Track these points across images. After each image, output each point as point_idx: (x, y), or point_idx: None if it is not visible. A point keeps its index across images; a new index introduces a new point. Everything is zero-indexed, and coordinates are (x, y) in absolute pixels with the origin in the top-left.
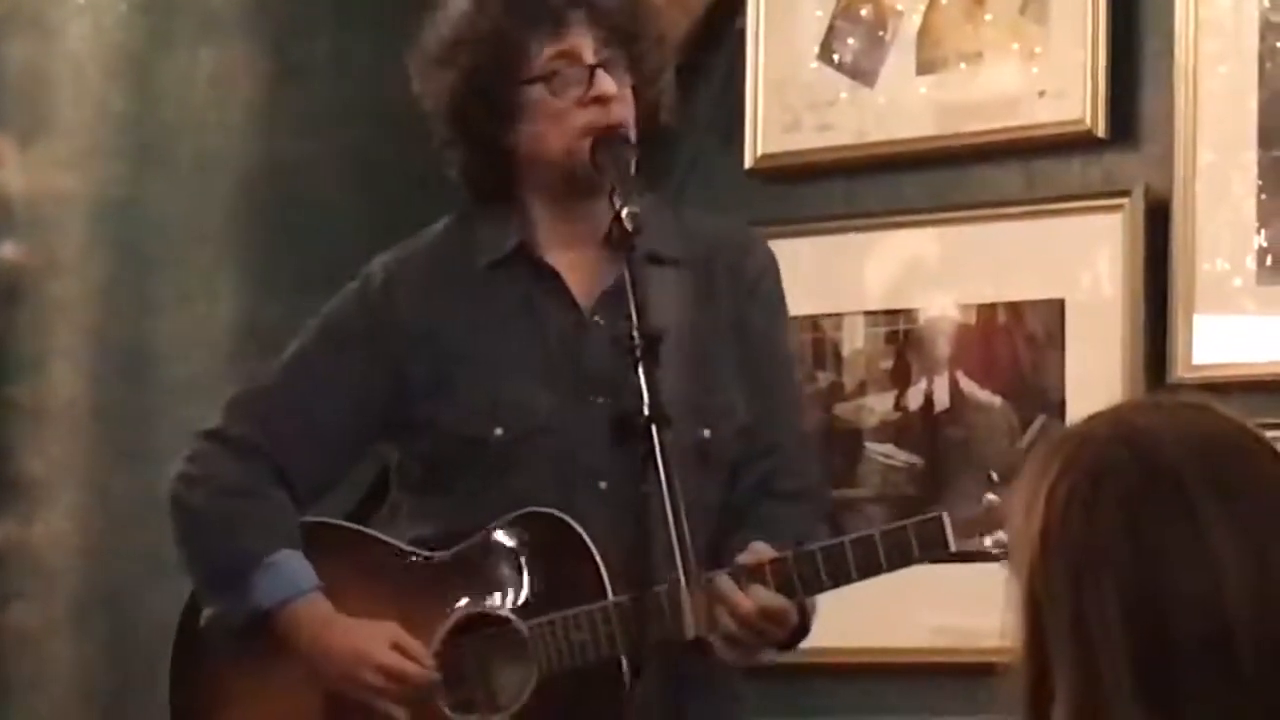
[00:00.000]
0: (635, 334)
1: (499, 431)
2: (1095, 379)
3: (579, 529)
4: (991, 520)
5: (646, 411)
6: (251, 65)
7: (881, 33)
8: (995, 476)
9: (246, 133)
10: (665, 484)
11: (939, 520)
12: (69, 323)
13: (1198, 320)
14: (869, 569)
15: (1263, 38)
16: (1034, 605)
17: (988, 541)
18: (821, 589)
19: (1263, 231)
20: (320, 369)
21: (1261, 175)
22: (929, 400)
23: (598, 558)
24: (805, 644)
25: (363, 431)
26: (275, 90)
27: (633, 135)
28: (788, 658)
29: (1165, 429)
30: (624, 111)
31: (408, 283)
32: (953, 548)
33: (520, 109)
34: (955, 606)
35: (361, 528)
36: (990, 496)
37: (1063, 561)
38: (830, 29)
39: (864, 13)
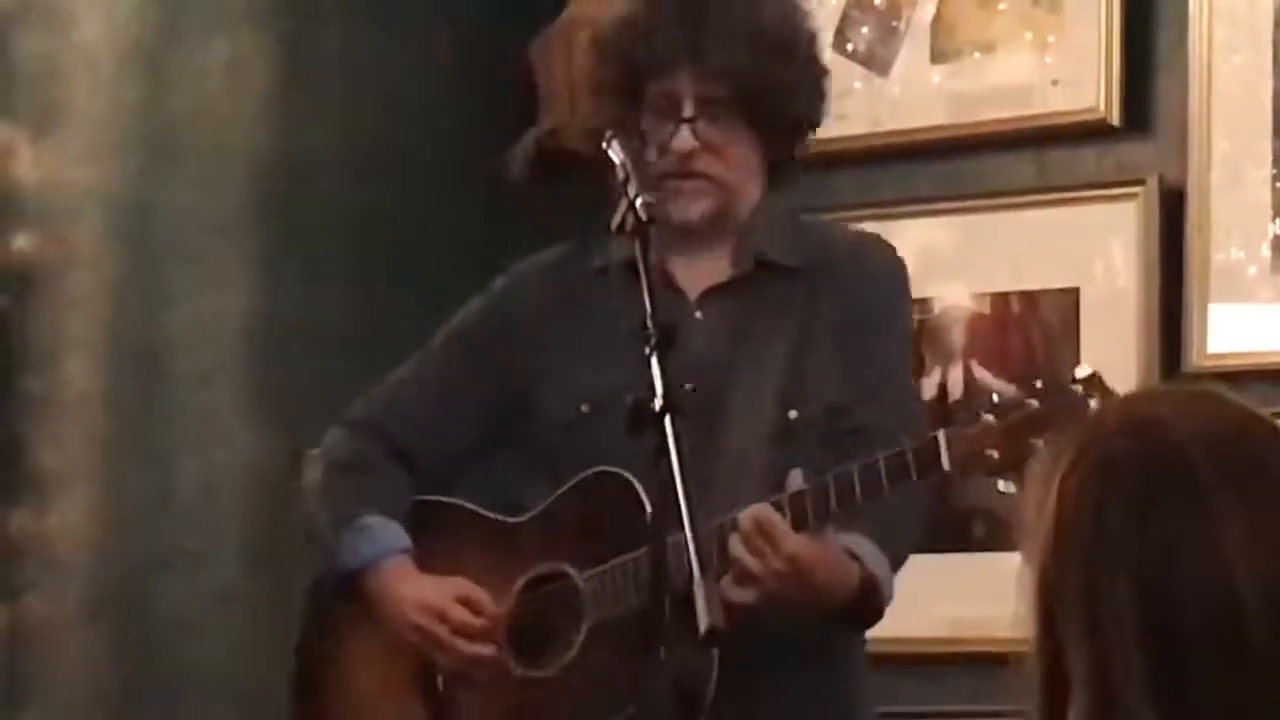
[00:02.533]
0: (649, 324)
1: (584, 408)
2: (1110, 368)
3: (635, 483)
4: (985, 437)
5: (660, 401)
6: (264, 57)
7: (895, 22)
8: (1039, 384)
9: (259, 125)
10: (679, 475)
11: (935, 440)
12: (82, 315)
13: (1212, 309)
14: (872, 489)
15: (1277, 25)
16: (1046, 597)
17: (993, 454)
18: (828, 515)
19: (1277, 220)
20: (444, 363)
21: (1276, 163)
22: (943, 389)
23: (649, 510)
24: None
25: (484, 425)
26: (288, 82)
27: (729, 184)
28: None
29: (1176, 418)
30: (707, 164)
31: (526, 285)
32: (946, 467)
33: (635, 125)
34: (969, 597)
35: (463, 502)
36: (987, 417)
37: (1075, 553)
38: (844, 18)
39: (877, 2)
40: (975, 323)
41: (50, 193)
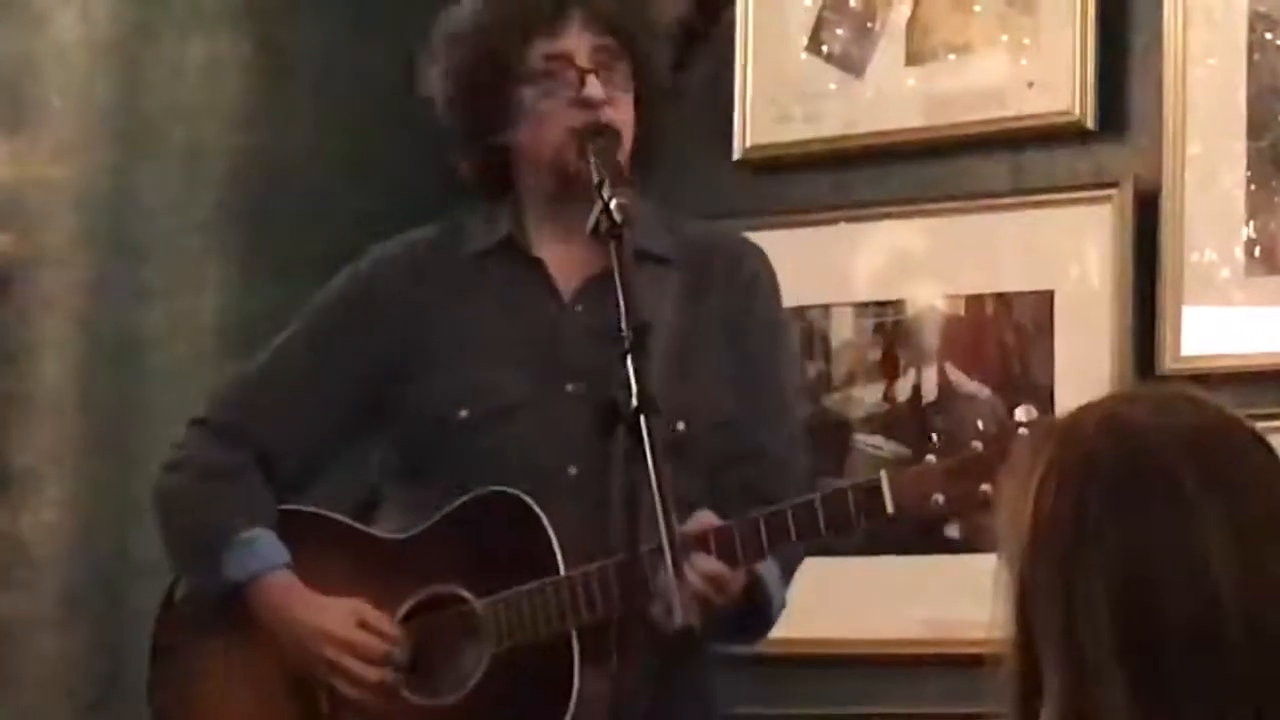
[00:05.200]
0: (624, 325)
1: (464, 413)
2: (1084, 370)
3: (535, 507)
4: (929, 480)
5: (635, 401)
6: (239, 55)
7: (870, 24)
8: (980, 425)
9: (234, 123)
10: (655, 473)
11: (878, 485)
12: (56, 313)
13: (1186, 311)
14: (809, 532)
15: (1251, 29)
16: (1023, 596)
17: (939, 499)
18: (762, 555)
19: (1251, 223)
20: (304, 355)
21: (1250, 166)
22: (917, 391)
23: (552, 535)
24: (796, 635)
25: (346, 417)
26: (262, 80)
27: (627, 136)
28: (776, 649)
29: (1153, 420)
30: (614, 115)
31: (393, 270)
32: (890, 511)
33: (513, 109)
34: (944, 598)
35: (328, 512)
36: (929, 458)
37: (1051, 552)
38: (819, 20)
39: (853, 4)
40: (950, 325)
41: (24, 190)
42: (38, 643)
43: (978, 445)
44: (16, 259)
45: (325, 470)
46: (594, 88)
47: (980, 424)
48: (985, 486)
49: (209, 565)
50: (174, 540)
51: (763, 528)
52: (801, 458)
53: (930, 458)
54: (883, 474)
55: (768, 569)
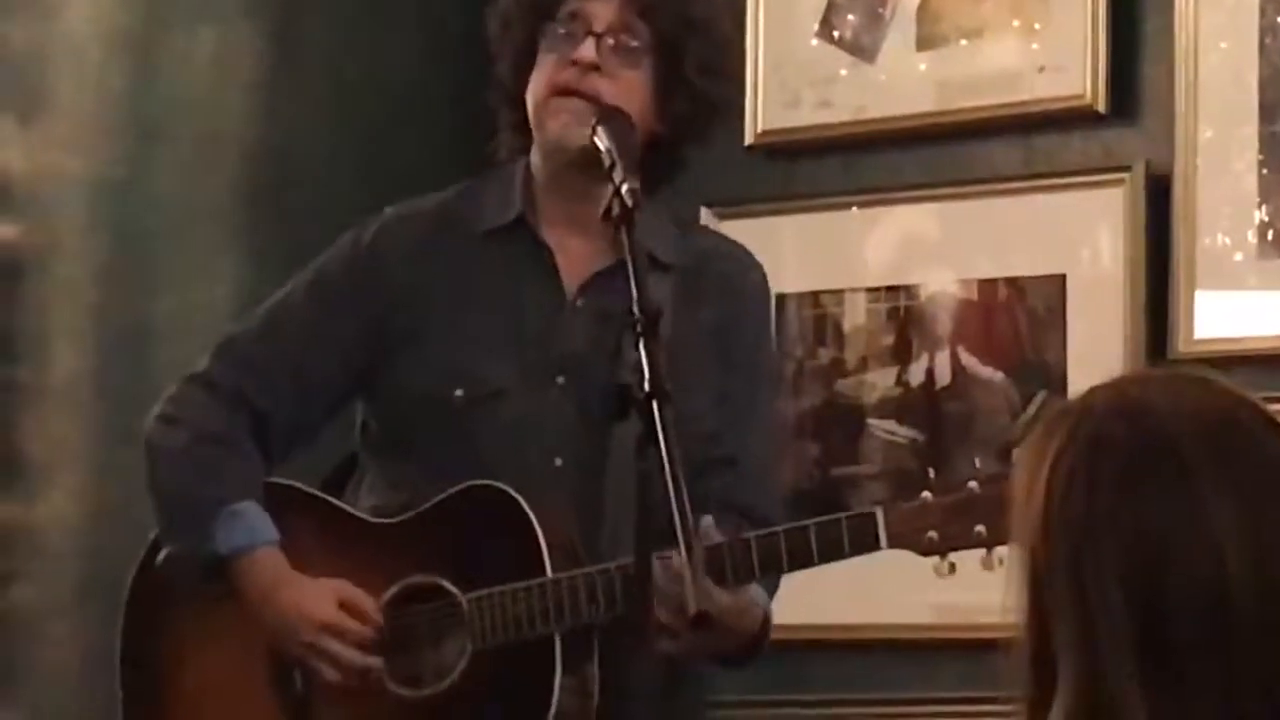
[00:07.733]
0: (636, 310)
1: (459, 393)
2: (1096, 354)
3: (523, 504)
4: (925, 516)
5: (648, 387)
6: (251, 44)
7: (881, 9)
8: (978, 463)
9: (246, 112)
10: (668, 459)
11: (872, 517)
12: (69, 303)
13: (1199, 295)
14: (800, 560)
15: (1263, 13)
16: (1035, 580)
17: (933, 536)
18: (752, 577)
19: (1263, 206)
20: (305, 317)
21: (1262, 150)
22: (930, 376)
23: (539, 533)
24: (809, 620)
25: (342, 384)
26: (275, 69)
27: (631, 114)
28: (788, 634)
29: (1164, 402)
30: (603, 86)
31: (400, 238)
32: (884, 545)
33: (531, 57)
34: (957, 583)
35: (316, 491)
36: (925, 494)
37: (1063, 536)
38: (830, 5)
39: None
40: (962, 309)
41: (37, 180)
42: (52, 631)
43: (974, 485)
44: (29, 249)
45: (311, 440)
46: (587, 50)
47: (978, 462)
48: (980, 527)
49: (196, 535)
50: (162, 502)
51: (754, 549)
52: (776, 472)
53: (926, 494)
54: (878, 508)
55: (768, 604)
